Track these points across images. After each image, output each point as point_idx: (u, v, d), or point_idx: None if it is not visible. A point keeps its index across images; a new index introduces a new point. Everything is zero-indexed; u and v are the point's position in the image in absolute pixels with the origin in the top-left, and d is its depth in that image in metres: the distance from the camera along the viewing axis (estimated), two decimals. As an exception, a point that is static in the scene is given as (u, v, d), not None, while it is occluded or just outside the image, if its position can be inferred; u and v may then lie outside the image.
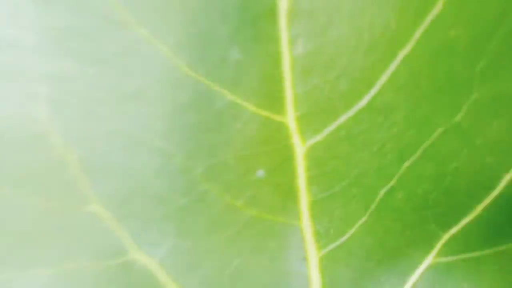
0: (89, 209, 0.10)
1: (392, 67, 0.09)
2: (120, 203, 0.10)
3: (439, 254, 0.11)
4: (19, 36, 0.09)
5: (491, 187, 0.11)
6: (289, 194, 0.10)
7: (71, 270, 0.10)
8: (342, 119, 0.10)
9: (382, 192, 0.10)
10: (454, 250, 0.11)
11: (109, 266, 0.10)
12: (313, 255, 0.10)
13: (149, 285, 0.10)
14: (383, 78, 0.10)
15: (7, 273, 0.09)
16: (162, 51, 0.09)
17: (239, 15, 0.09)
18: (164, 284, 0.10)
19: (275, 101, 0.10)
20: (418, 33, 0.09)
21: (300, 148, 0.10)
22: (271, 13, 0.09)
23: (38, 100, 0.09)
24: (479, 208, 0.11)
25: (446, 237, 0.11)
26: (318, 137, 0.10)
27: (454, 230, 0.11)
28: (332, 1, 0.08)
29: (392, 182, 0.10)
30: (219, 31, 0.09)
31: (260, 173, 0.10)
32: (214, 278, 0.10)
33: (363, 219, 0.10)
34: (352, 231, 0.10)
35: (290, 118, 0.10)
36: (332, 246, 0.11)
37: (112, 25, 0.08)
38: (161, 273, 0.10)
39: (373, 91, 0.10)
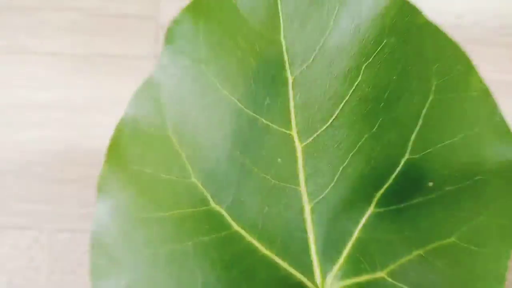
0: (190, 181, 0.19)
1: (341, 107, 0.19)
2: (206, 177, 0.19)
3: (376, 206, 0.19)
4: None
5: (397, 164, 0.19)
6: (294, 172, 0.20)
7: (178, 213, 0.18)
8: (319, 131, 0.20)
9: (341, 168, 0.19)
10: (384, 204, 0.19)
11: (199, 211, 0.19)
12: (307, 206, 0.19)
13: (220, 222, 0.18)
14: (336, 112, 0.19)
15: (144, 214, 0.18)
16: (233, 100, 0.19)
17: (270, 82, 0.18)
18: (228, 222, 0.19)
19: (286, 123, 0.20)
20: (351, 91, 0.19)
21: (299, 147, 0.20)
22: (285, 81, 0.19)
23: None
24: (392, 177, 0.19)
25: (378, 195, 0.19)
26: (309, 140, 0.20)
27: (381, 191, 0.19)
28: (319, 81, 0.19)
29: (345, 163, 0.19)
30: (261, 91, 0.18)
31: (279, 160, 0.19)
32: (256, 217, 0.19)
33: (332, 184, 0.19)
34: (327, 190, 0.19)
35: (294, 132, 0.20)
36: (316, 200, 0.19)
37: None
38: (226, 215, 0.19)
39: (331, 118, 0.19)
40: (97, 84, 0.41)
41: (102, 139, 0.39)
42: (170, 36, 0.20)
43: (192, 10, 0.19)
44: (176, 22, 0.20)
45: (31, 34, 0.42)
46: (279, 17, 0.17)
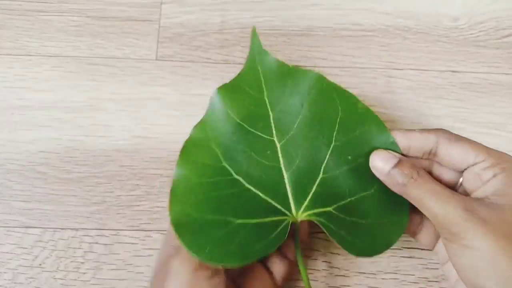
0: (222, 165, 0.33)
1: (296, 124, 0.35)
2: (230, 162, 0.33)
3: (322, 173, 0.33)
4: None
5: (318, 171, 0.33)
6: (276, 157, 0.34)
7: (214, 180, 0.33)
8: (287, 137, 0.34)
9: (300, 152, 0.34)
10: (326, 172, 0.33)
11: (226, 179, 0.33)
12: (285, 174, 0.33)
13: (237, 183, 0.33)
14: (294, 126, 0.35)
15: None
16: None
17: (261, 114, 0.35)
18: (242, 183, 0.33)
19: (271, 134, 0.35)
20: (300, 117, 0.35)
21: (278, 145, 0.34)
22: (268, 116, 0.35)
23: None
24: (328, 153, 0.34)
25: (322, 166, 0.33)
26: (282, 142, 0.34)
27: (324, 164, 0.34)
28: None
29: (303, 148, 0.34)
30: (258, 119, 0.35)
31: (268, 152, 0.34)
32: (257, 180, 0.33)
33: (297, 161, 0.34)
34: (295, 164, 0.34)
35: (275, 138, 0.34)
36: (290, 170, 0.33)
37: None
38: (242, 180, 0.33)
39: (293, 129, 0.35)
40: (99, 85, 0.41)
41: (105, 139, 0.40)
42: (214, 97, 0.35)
43: (223, 88, 0.35)
44: (215, 92, 0.35)
45: (35, 36, 0.43)
46: (263, 88, 0.36)
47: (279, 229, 0.31)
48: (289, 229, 0.31)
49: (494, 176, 0.28)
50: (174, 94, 0.42)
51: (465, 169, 0.30)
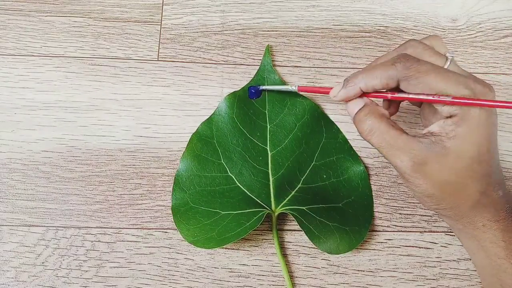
0: (220, 162, 0.39)
1: (288, 139, 0.40)
2: (228, 161, 0.39)
3: (301, 183, 0.39)
4: None
5: (298, 181, 0.39)
6: (267, 163, 0.40)
7: (213, 175, 0.39)
8: (279, 148, 0.40)
9: (287, 163, 0.40)
10: (304, 183, 0.39)
11: (222, 175, 0.39)
12: (271, 178, 0.39)
13: (231, 180, 0.39)
14: (286, 140, 0.40)
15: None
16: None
17: (260, 126, 0.41)
18: (234, 180, 0.39)
19: (265, 143, 0.40)
20: (292, 133, 0.41)
21: (269, 154, 0.40)
22: (266, 128, 0.41)
23: None
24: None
25: (302, 178, 0.39)
26: (274, 151, 0.40)
27: (304, 176, 0.39)
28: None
29: (289, 160, 0.40)
30: (257, 129, 0.41)
31: (260, 158, 0.40)
32: (247, 179, 0.39)
33: (282, 170, 0.39)
34: (281, 172, 0.39)
35: (268, 147, 0.40)
36: (275, 176, 0.39)
37: None
38: (234, 178, 0.39)
39: (285, 142, 0.40)
40: (102, 86, 0.42)
41: (107, 139, 0.40)
42: (223, 101, 0.41)
43: (232, 96, 0.41)
44: (224, 98, 0.41)
45: (37, 37, 0.43)
46: (266, 103, 0.41)
47: (255, 218, 0.36)
48: (263, 219, 0.36)
49: (450, 116, 0.29)
50: (175, 94, 0.42)
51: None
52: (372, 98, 0.33)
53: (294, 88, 0.38)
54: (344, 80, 0.33)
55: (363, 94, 0.32)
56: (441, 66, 0.30)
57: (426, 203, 0.32)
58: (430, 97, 0.29)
